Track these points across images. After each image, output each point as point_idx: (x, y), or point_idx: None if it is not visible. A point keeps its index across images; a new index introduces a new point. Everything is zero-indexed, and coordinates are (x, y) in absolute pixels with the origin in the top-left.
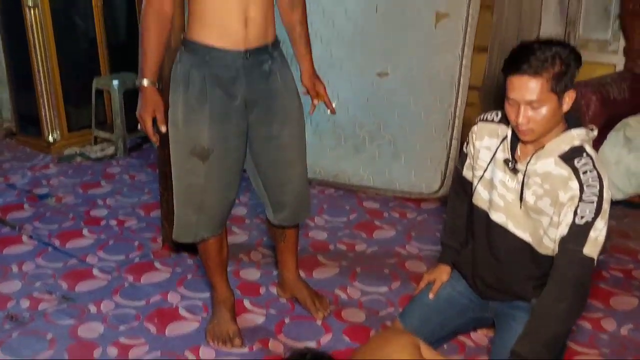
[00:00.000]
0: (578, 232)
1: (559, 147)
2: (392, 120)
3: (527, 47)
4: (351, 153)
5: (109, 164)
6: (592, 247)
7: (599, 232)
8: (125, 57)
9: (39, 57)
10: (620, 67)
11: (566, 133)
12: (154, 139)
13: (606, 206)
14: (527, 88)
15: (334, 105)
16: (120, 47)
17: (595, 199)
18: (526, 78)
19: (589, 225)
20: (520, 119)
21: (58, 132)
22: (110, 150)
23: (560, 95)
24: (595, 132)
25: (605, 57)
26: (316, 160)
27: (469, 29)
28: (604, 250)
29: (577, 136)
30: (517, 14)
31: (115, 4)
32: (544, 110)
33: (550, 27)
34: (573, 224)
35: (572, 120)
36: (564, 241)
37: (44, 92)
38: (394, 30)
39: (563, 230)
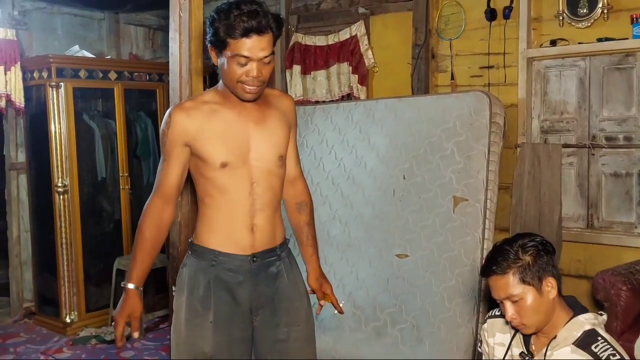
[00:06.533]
0: None
1: (571, 334)
2: (414, 303)
3: (495, 249)
4: (372, 337)
5: (123, 346)
6: None
7: None
8: None
9: (63, 240)
10: None
11: (574, 320)
12: (120, 344)
13: None
14: (499, 286)
15: (341, 305)
16: None
17: None
18: (495, 278)
19: None
20: (508, 316)
21: (76, 312)
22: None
23: (535, 284)
24: (605, 317)
25: (632, 241)
26: (335, 345)
27: (488, 212)
28: None
29: (586, 320)
30: (536, 197)
31: (142, 186)
32: (525, 303)
33: (572, 209)
34: None
35: (577, 306)
36: None
37: (65, 274)
38: (412, 213)
39: None
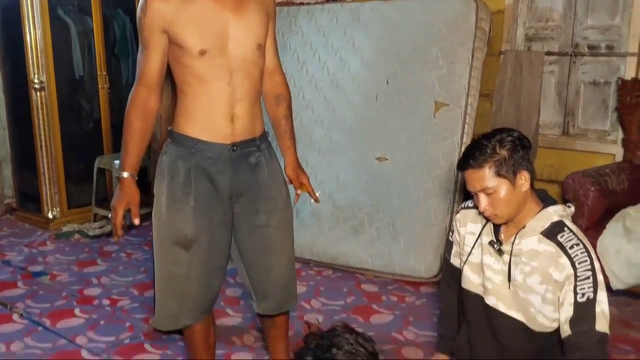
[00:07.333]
0: (584, 311)
1: (540, 224)
2: (391, 203)
3: (474, 143)
4: (350, 235)
5: (106, 241)
6: (603, 322)
7: (603, 305)
8: None
9: (42, 136)
10: (619, 156)
11: (543, 211)
12: (120, 232)
13: (600, 277)
14: (475, 179)
15: (317, 195)
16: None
17: (590, 273)
18: (471, 171)
19: (592, 302)
20: (481, 207)
21: (58, 209)
22: (108, 227)
23: (509, 177)
24: (573, 209)
25: (605, 147)
26: (314, 242)
27: (467, 117)
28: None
29: (555, 212)
30: (516, 104)
31: (121, 85)
32: (499, 195)
33: (549, 117)
34: (576, 303)
35: (548, 199)
36: (574, 323)
37: (46, 171)
38: (394, 117)
39: (568, 311)
